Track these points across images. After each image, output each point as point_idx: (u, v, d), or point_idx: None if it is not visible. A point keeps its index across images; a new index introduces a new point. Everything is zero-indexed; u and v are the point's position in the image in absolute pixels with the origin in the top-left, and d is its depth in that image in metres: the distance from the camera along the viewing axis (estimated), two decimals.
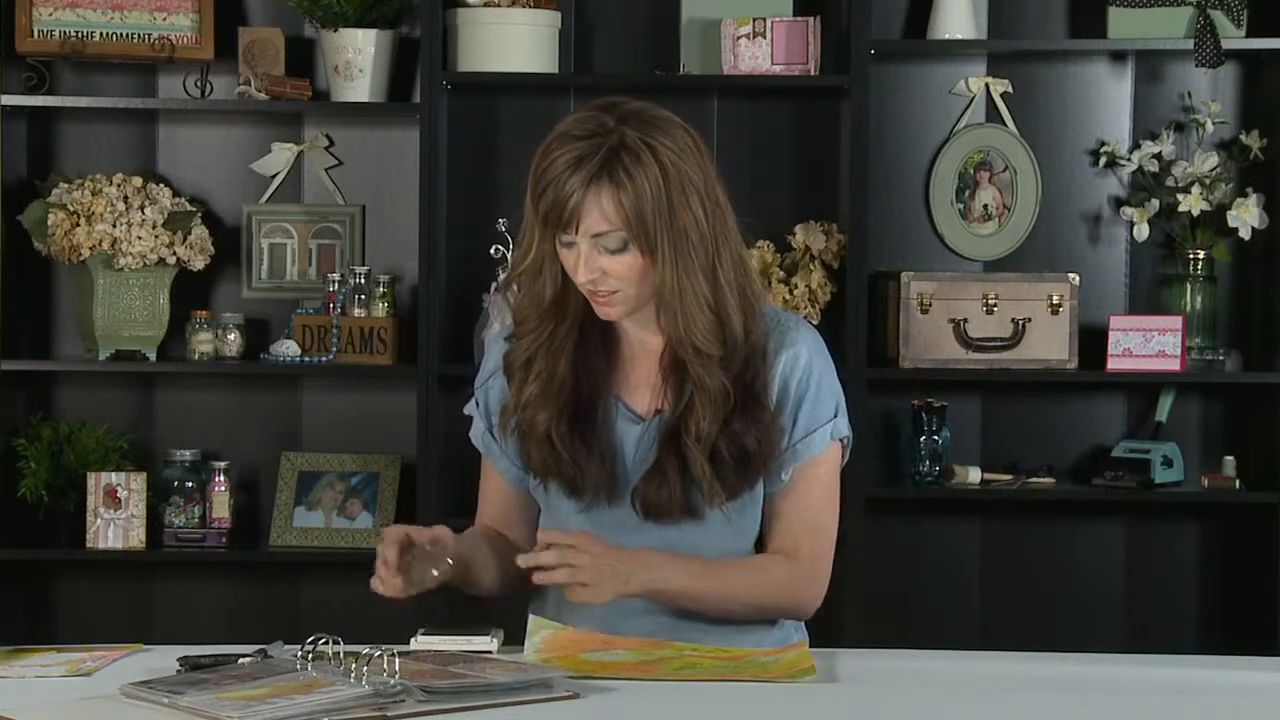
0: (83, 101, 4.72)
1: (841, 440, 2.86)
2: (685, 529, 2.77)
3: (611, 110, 2.75)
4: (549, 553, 2.65)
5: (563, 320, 2.82)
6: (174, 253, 4.62)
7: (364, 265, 4.78)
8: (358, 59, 4.66)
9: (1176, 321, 4.64)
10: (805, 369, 2.82)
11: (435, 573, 2.69)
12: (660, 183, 2.71)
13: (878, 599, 4.66)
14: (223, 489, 4.67)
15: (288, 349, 4.68)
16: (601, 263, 2.72)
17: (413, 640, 2.72)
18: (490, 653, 2.70)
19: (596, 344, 2.84)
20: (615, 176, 2.69)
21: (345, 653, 2.51)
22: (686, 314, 2.74)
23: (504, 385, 2.88)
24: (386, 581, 2.68)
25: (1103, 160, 4.78)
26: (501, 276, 4.62)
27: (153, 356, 4.68)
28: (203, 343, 4.70)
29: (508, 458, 2.88)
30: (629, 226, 2.70)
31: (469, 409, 2.97)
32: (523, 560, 2.66)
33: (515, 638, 2.85)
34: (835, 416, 2.84)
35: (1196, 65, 4.59)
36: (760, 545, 2.84)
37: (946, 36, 4.68)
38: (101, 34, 4.68)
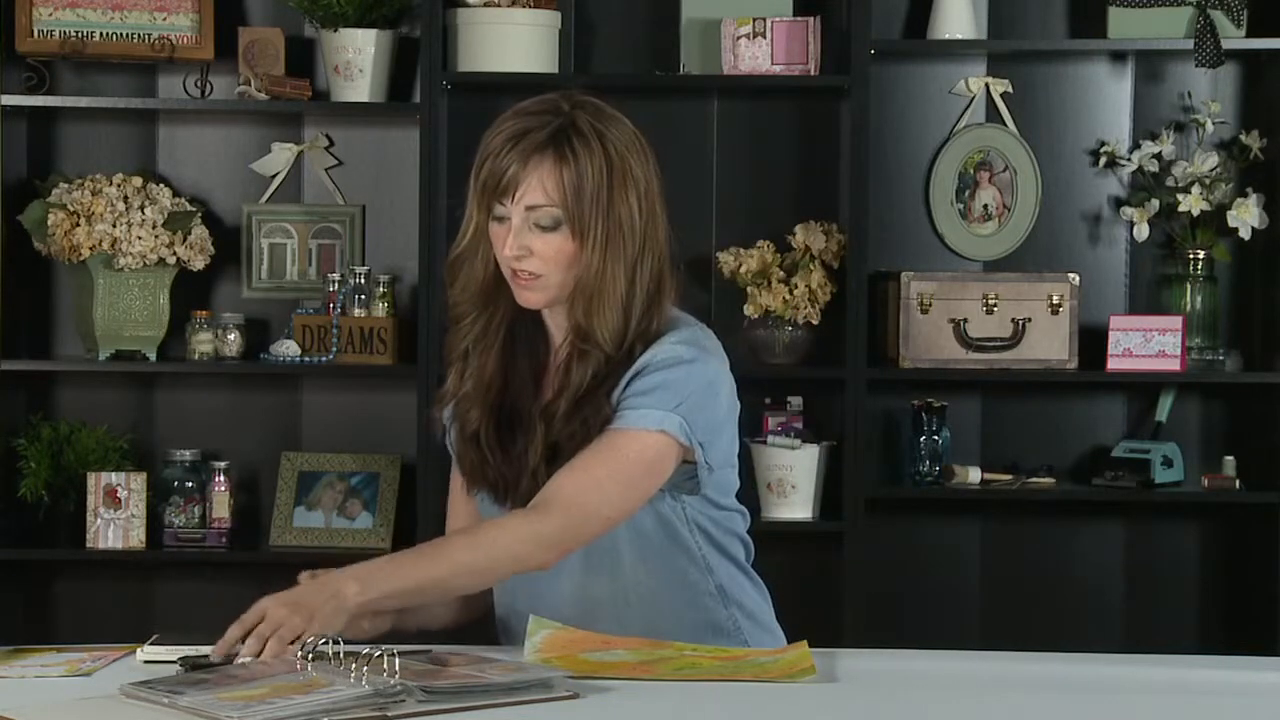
0: (83, 101, 4.72)
1: (669, 435, 2.74)
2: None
3: (567, 97, 2.78)
4: (232, 628, 2.57)
5: (495, 312, 2.81)
6: (174, 253, 4.62)
7: (364, 265, 4.78)
8: (358, 59, 4.66)
9: (1176, 321, 4.64)
10: (652, 358, 2.76)
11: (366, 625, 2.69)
12: (603, 168, 2.72)
13: (878, 599, 4.66)
14: (223, 489, 4.67)
15: (288, 349, 4.68)
16: (530, 240, 2.72)
17: (139, 651, 2.70)
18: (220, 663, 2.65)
19: (524, 345, 2.84)
20: (560, 151, 2.71)
21: (345, 653, 2.51)
22: (601, 304, 2.73)
23: None
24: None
25: (1103, 160, 4.78)
26: None
27: (153, 356, 4.69)
28: (203, 343, 4.71)
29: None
30: (565, 204, 2.70)
31: (444, 415, 2.96)
32: (215, 654, 2.56)
33: (515, 638, 2.85)
34: (672, 411, 2.74)
35: (1196, 65, 4.59)
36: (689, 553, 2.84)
37: (946, 36, 4.68)
38: (101, 34, 4.68)
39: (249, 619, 2.60)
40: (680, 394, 2.75)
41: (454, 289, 2.82)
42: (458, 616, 2.92)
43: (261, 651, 2.55)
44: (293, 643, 2.55)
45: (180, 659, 2.60)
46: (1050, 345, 4.67)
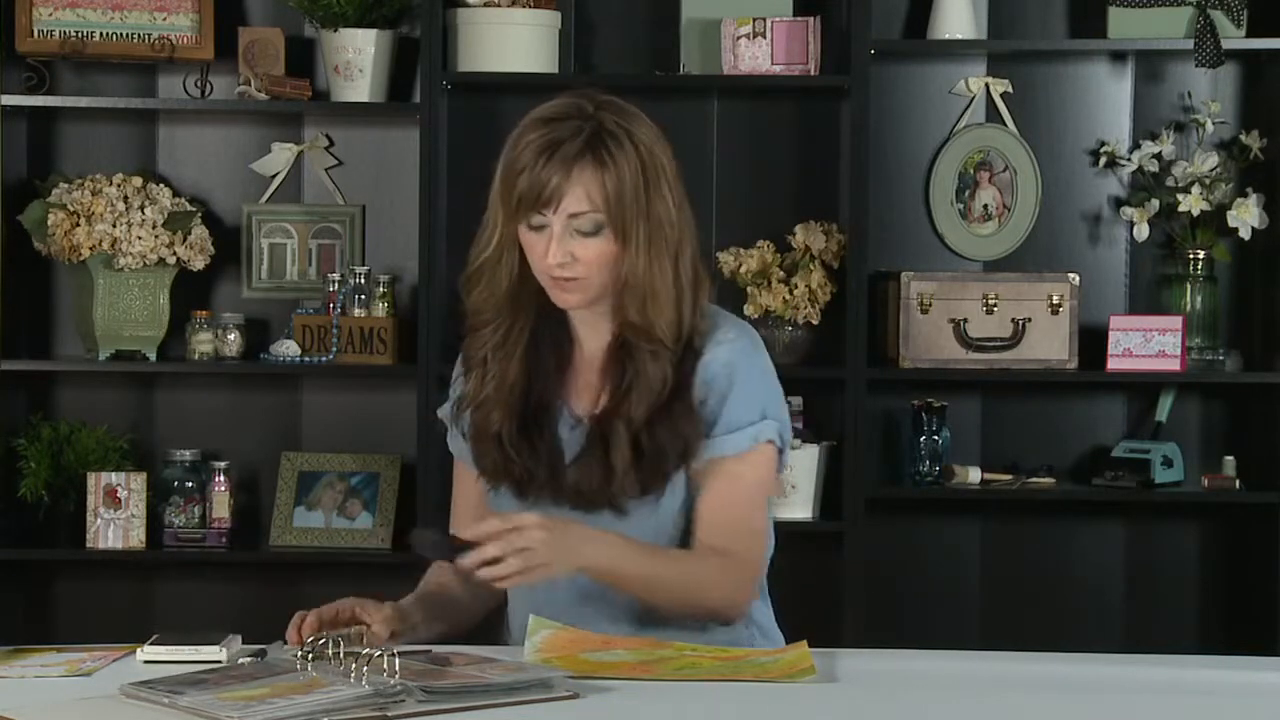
0: (83, 101, 4.72)
1: (772, 443, 2.82)
2: (608, 522, 2.77)
3: (588, 98, 2.78)
4: (492, 546, 2.61)
5: (518, 317, 2.82)
6: (174, 253, 4.62)
7: (364, 265, 4.78)
8: (358, 59, 4.66)
9: (1176, 321, 4.64)
10: (728, 367, 2.80)
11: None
12: (638, 168, 2.73)
13: (878, 599, 4.66)
14: (223, 489, 4.67)
15: (288, 349, 4.68)
16: (572, 246, 2.73)
17: (139, 651, 2.70)
18: (220, 663, 2.65)
19: (547, 346, 2.84)
20: (599, 157, 2.71)
21: (345, 653, 2.51)
22: (655, 302, 2.75)
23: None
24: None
25: (1103, 160, 4.78)
26: None
27: (153, 356, 4.69)
28: (203, 343, 4.70)
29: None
30: (607, 209, 2.71)
31: (441, 413, 2.96)
32: (468, 561, 2.62)
33: (515, 638, 2.86)
34: (762, 419, 2.81)
35: (1196, 65, 4.59)
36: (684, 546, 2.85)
37: (946, 36, 4.68)
38: (101, 34, 4.68)
39: (512, 521, 2.62)
40: (764, 395, 2.82)
41: (474, 297, 2.83)
42: (479, 611, 2.94)
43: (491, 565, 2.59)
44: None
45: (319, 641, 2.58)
46: (1050, 345, 4.67)
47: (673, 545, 2.82)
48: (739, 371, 2.81)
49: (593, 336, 2.84)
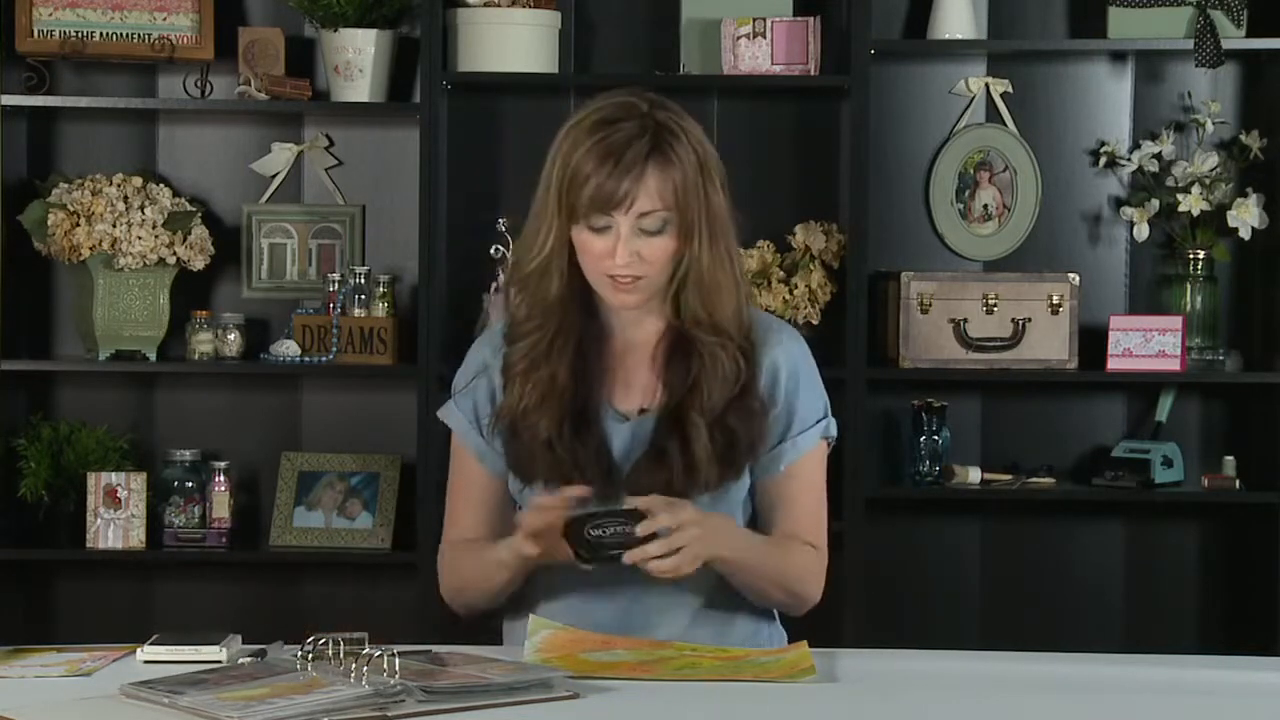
0: (83, 101, 4.72)
1: (827, 439, 2.92)
2: None
3: (639, 97, 2.82)
4: (655, 546, 2.67)
5: (565, 321, 2.82)
6: (174, 253, 4.62)
7: (364, 265, 4.78)
8: (358, 59, 4.66)
9: (1176, 321, 4.64)
10: (794, 367, 2.88)
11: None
12: (696, 164, 2.78)
13: (878, 599, 4.66)
14: (223, 489, 4.67)
15: (288, 349, 4.68)
16: (638, 246, 2.74)
17: (139, 651, 2.71)
18: (220, 663, 2.66)
19: (592, 345, 2.85)
20: (665, 156, 2.75)
21: (345, 653, 2.51)
22: (720, 294, 2.80)
23: (491, 385, 2.88)
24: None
25: (1103, 160, 4.78)
26: (502, 277, 4.62)
27: (153, 356, 4.68)
28: (203, 343, 4.70)
29: (497, 454, 2.89)
30: (675, 206, 2.73)
31: (446, 415, 2.95)
32: (630, 558, 2.67)
33: (515, 638, 2.86)
34: (826, 416, 2.91)
35: (1196, 65, 4.59)
36: None
37: (946, 36, 4.68)
38: (101, 34, 4.68)
39: (675, 513, 2.68)
40: (823, 392, 2.93)
41: (521, 302, 2.83)
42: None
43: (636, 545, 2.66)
44: None
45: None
46: (1050, 345, 4.67)
47: None
48: (803, 369, 2.90)
49: (637, 332, 2.85)
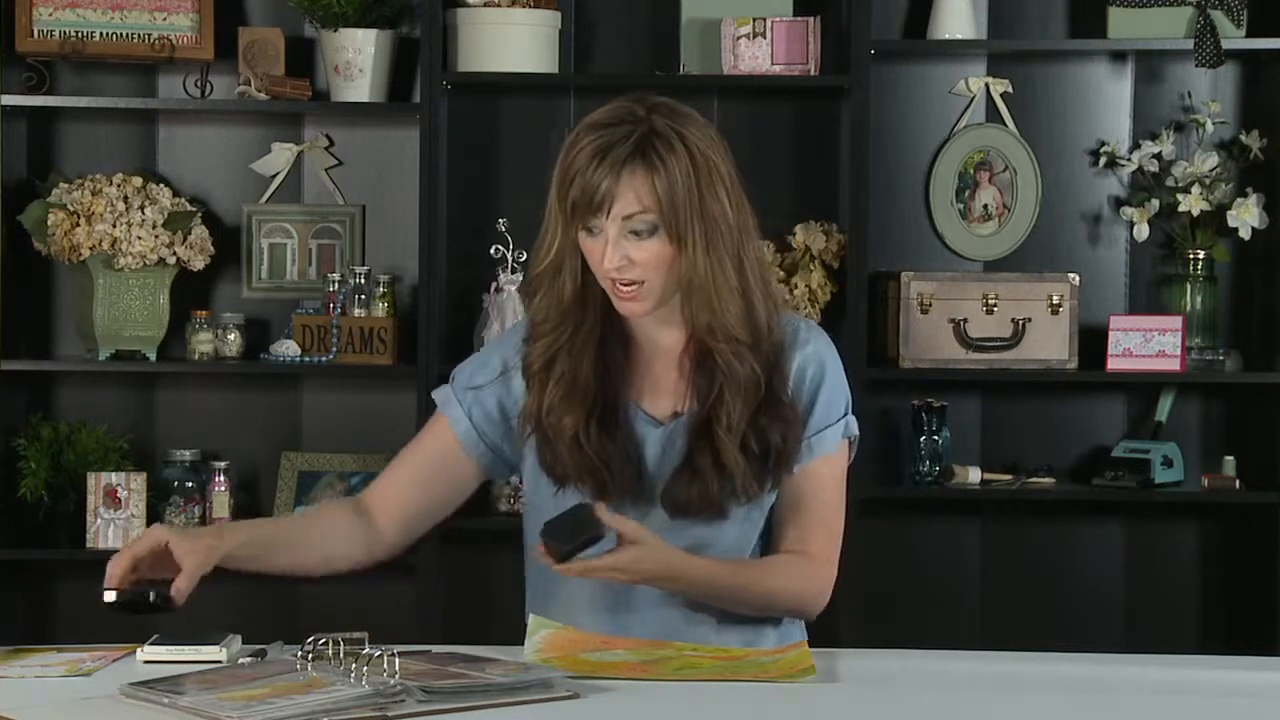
0: (83, 101, 4.72)
1: (850, 439, 2.91)
2: (710, 527, 2.79)
3: (640, 102, 2.80)
4: (600, 561, 2.66)
5: (583, 320, 2.82)
6: (174, 253, 4.62)
7: (364, 265, 4.78)
8: (358, 59, 4.66)
9: (1176, 321, 4.64)
10: (820, 366, 2.86)
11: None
12: (690, 169, 2.75)
13: (878, 599, 4.66)
14: (223, 489, 4.67)
15: (288, 349, 4.68)
16: (628, 249, 2.73)
17: (139, 651, 2.71)
18: (220, 663, 2.66)
19: (614, 343, 2.85)
20: (649, 159, 2.73)
21: (345, 653, 2.51)
22: (720, 300, 2.76)
23: (508, 383, 2.88)
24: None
25: (1103, 160, 4.78)
26: (501, 277, 4.62)
27: (153, 356, 4.68)
28: (203, 343, 4.70)
29: (470, 420, 2.87)
30: (660, 210, 2.72)
31: (444, 401, 2.93)
32: (571, 570, 2.66)
33: (516, 638, 2.85)
34: (846, 415, 2.89)
35: (1196, 65, 4.60)
36: (766, 542, 2.85)
37: (946, 36, 4.68)
38: (101, 34, 4.68)
39: (635, 537, 2.67)
40: (846, 391, 2.90)
41: (536, 305, 2.83)
42: (316, 565, 2.95)
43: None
44: None
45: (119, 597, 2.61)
46: (1050, 345, 4.67)
47: (754, 547, 2.85)
48: (828, 370, 2.87)
49: (663, 335, 2.84)
